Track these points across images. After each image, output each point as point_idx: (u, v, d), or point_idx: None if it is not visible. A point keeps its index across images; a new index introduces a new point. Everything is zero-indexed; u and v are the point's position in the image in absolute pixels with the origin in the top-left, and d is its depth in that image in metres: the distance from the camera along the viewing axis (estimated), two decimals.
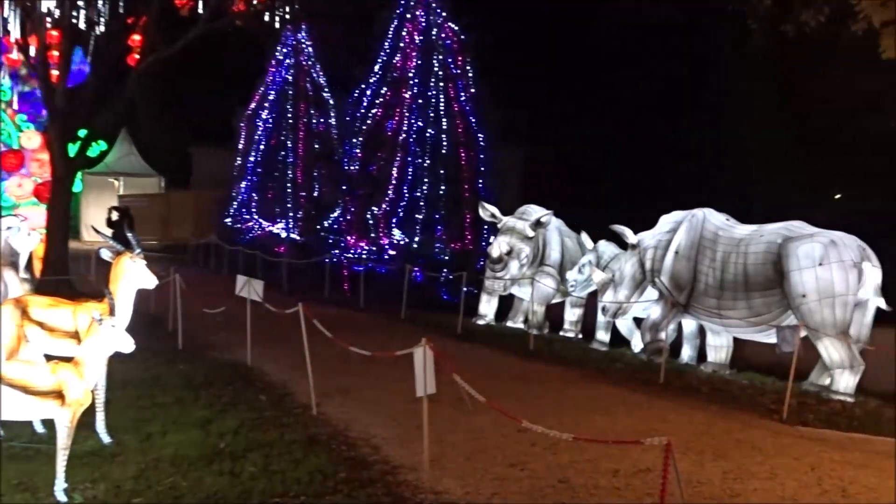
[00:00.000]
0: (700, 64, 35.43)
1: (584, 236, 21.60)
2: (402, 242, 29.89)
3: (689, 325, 17.89)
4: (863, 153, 28.45)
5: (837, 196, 32.57)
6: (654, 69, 37.49)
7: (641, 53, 38.20)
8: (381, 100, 31.76)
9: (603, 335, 19.96)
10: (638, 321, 19.14)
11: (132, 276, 9.26)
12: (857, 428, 12.18)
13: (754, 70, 32.27)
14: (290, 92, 37.84)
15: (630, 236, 18.38)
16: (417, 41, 31.18)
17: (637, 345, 19.06)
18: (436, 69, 30.98)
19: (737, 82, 34.19)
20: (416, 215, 30.07)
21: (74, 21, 23.19)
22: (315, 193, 37.06)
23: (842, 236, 15.29)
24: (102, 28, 23.85)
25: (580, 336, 21.56)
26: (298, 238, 35.88)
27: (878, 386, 17.97)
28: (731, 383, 15.00)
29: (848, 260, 14.83)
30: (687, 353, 18.03)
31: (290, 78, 37.99)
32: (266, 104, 38.24)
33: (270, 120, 37.95)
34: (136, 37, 23.76)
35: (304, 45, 38.22)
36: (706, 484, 8.05)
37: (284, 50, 38.18)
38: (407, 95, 30.82)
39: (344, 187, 32.76)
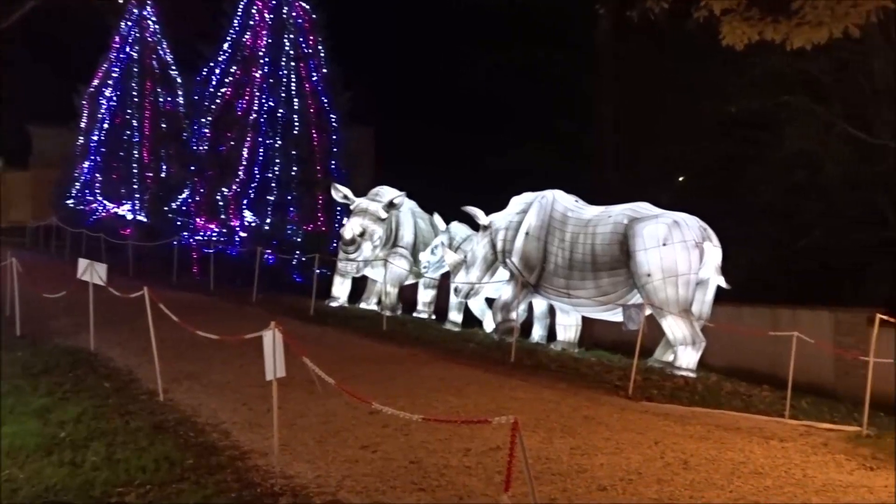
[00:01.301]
0: (555, 47, 35.93)
1: (437, 218, 21.71)
2: (253, 224, 29.38)
3: (539, 304, 18.20)
4: (705, 137, 29.40)
5: (681, 178, 33.57)
6: (508, 52, 37.86)
7: (493, 35, 38.50)
8: (230, 79, 31.04)
9: (455, 316, 20.14)
10: (490, 301, 19.35)
11: None
12: (699, 402, 12.65)
13: (603, 55, 32.95)
14: (136, 69, 36.63)
15: (482, 217, 18.56)
16: (268, 19, 30.59)
17: (489, 325, 19.30)
18: (287, 48, 30.48)
19: (587, 67, 34.83)
20: (268, 197, 29.59)
21: None
22: (162, 174, 36.06)
23: (684, 217, 15.81)
24: None
25: (433, 317, 21.71)
26: (145, 220, 34.89)
27: (719, 361, 18.72)
28: (580, 361, 15.33)
29: (690, 240, 15.33)
30: (537, 332, 18.36)
31: (135, 55, 36.78)
32: (110, 81, 36.88)
33: (115, 98, 36.62)
34: None
35: (149, 21, 37.06)
36: (554, 460, 8.17)
37: (129, 25, 36.92)
38: (257, 74, 30.23)
39: (192, 168, 31.95)
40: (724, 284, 15.72)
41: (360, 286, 23.38)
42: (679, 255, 15.20)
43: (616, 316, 16.08)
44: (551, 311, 18.23)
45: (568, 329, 17.70)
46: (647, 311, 14.78)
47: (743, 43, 12.77)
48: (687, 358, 15.23)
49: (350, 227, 21.41)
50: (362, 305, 22.78)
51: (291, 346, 8.31)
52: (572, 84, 34.88)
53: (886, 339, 15.80)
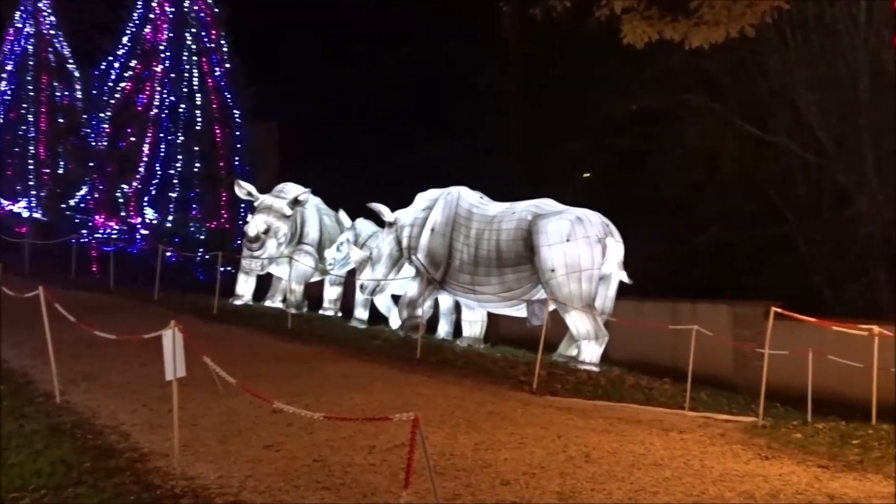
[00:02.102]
0: (460, 42, 36.01)
1: (343, 214, 21.63)
2: (154, 221, 28.86)
3: (445, 301, 18.25)
4: (608, 134, 29.83)
5: (586, 175, 33.99)
6: (414, 47, 37.85)
7: (399, 29, 38.42)
8: (130, 73, 30.43)
9: (362, 313, 20.08)
10: (396, 298, 19.35)
11: None
12: (602, 396, 12.82)
13: (507, 51, 33.17)
14: (31, 63, 35.62)
15: (387, 214, 18.53)
16: (169, 13, 30.06)
17: (395, 321, 19.28)
18: (189, 42, 30.00)
19: (492, 63, 34.99)
20: (170, 193, 29.10)
21: None
22: (60, 171, 35.15)
23: (587, 213, 16.02)
24: None
25: (340, 314, 21.63)
26: (42, 218, 33.98)
27: (622, 355, 19.01)
28: (486, 357, 15.41)
29: (593, 236, 15.53)
30: (443, 328, 18.41)
31: (30, 48, 35.76)
32: (4, 75, 35.82)
33: (9, 92, 35.59)
34: None
35: (44, 13, 36.07)
36: (458, 456, 8.18)
37: (23, 17, 35.88)
38: (158, 69, 29.70)
39: (91, 164, 31.22)
40: (626, 279, 15.97)
41: (264, 284, 23.15)
42: (582, 250, 15.38)
43: (521, 312, 16.22)
44: (457, 308, 18.30)
45: (473, 325, 17.79)
46: (551, 307, 14.93)
47: (643, 42, 12.98)
48: (590, 352, 15.43)
49: (254, 225, 21.16)
50: (267, 303, 22.56)
51: (192, 346, 8.18)
52: (478, 80, 34.99)
53: (783, 332, 16.28)
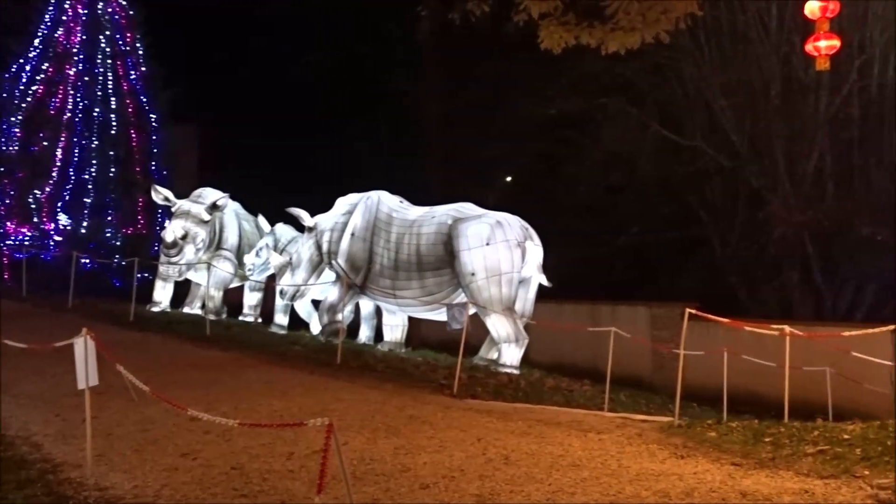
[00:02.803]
0: (379, 46, 35.91)
1: (262, 219, 21.45)
2: (68, 227, 28.27)
3: (366, 305, 18.22)
4: (527, 138, 30.05)
5: (507, 179, 34.19)
6: (334, 51, 37.63)
7: (317, 32, 38.18)
8: (42, 76, 29.78)
9: (282, 318, 19.93)
10: (316, 303, 19.24)
11: None
12: (522, 398, 12.88)
13: (426, 55, 33.19)
14: None
15: (307, 219, 18.42)
16: (82, 15, 29.48)
17: (315, 327, 19.17)
18: (103, 45, 29.48)
19: (411, 68, 34.99)
20: (84, 199, 28.58)
21: None
22: None
23: (506, 217, 16.12)
24: None
25: (259, 320, 21.46)
26: None
27: (543, 357, 19.17)
28: (406, 361, 15.39)
29: (513, 239, 15.63)
30: (364, 333, 18.39)
31: None
32: None
33: None
34: None
35: None
36: (378, 460, 8.15)
37: None
38: (71, 72, 29.14)
39: (1, 169, 30.44)
40: (545, 282, 16.10)
41: (182, 290, 22.82)
42: (502, 254, 15.46)
43: (441, 315, 16.26)
44: (378, 312, 18.28)
45: (394, 329, 17.77)
46: (472, 310, 14.98)
47: (560, 47, 13.07)
48: (511, 355, 15.51)
49: (171, 230, 20.85)
50: (185, 310, 22.26)
51: (105, 354, 8.01)
52: (397, 84, 34.97)
53: (699, 333, 16.59)
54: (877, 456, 7.77)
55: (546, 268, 16.24)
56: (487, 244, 15.49)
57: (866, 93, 23.79)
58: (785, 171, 24.13)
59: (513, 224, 15.95)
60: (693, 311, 11.31)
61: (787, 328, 11.25)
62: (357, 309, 18.37)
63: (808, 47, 14.21)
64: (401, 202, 17.70)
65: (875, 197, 23.48)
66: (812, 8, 12.96)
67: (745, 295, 25.08)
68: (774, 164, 24.30)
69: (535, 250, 15.95)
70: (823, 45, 13.92)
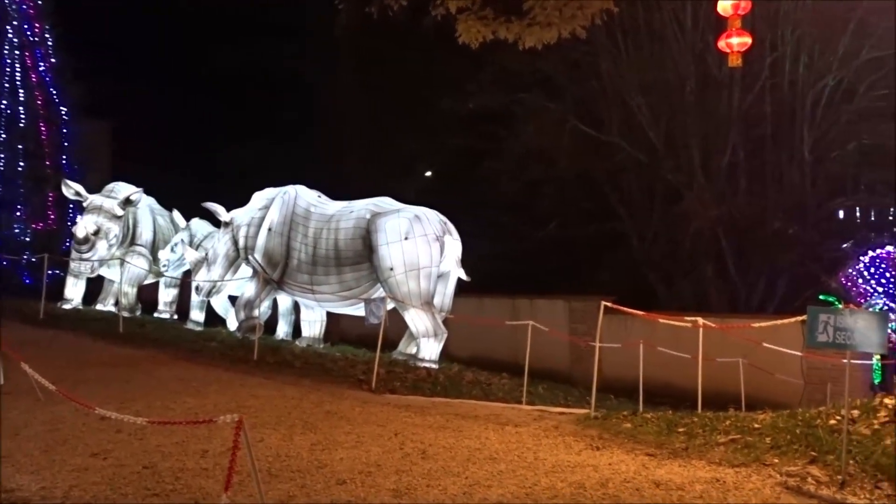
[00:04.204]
0: (297, 41, 35.64)
1: (177, 214, 21.12)
2: None
3: (283, 301, 18.05)
4: (446, 133, 30.05)
5: (427, 174, 34.17)
6: (251, 46, 37.25)
7: (234, 27, 37.77)
8: None
9: (198, 315, 19.66)
10: (233, 299, 19.01)
11: None
12: (440, 392, 12.89)
13: (343, 50, 32.98)
14: None
15: (223, 214, 18.18)
16: None
17: (232, 323, 18.94)
18: (10, 35, 28.67)
19: (330, 62, 34.74)
20: None
21: None
22: None
23: (425, 211, 16.11)
24: None
25: (175, 317, 21.13)
26: None
27: (462, 351, 19.21)
28: (325, 357, 15.28)
29: (431, 234, 15.62)
30: (282, 329, 18.21)
31: None
32: None
33: None
34: None
35: None
36: (294, 457, 8.05)
37: None
38: None
39: None
40: (464, 277, 16.12)
41: (95, 287, 22.35)
42: (420, 248, 15.44)
43: (360, 311, 16.18)
44: (296, 308, 18.12)
45: (313, 325, 17.65)
46: (390, 305, 14.93)
47: (478, 41, 13.09)
48: (429, 349, 15.51)
49: (83, 226, 20.41)
50: (98, 307, 21.82)
51: (12, 353, 7.79)
52: (316, 78, 34.72)
53: (617, 326, 16.79)
54: (786, 444, 7.92)
55: (465, 262, 16.26)
56: (406, 239, 15.45)
57: (778, 90, 24.32)
58: (700, 167, 24.55)
59: (431, 218, 15.93)
60: (609, 305, 11.41)
61: (701, 320, 11.43)
62: (274, 304, 18.17)
63: (721, 44, 14.42)
64: (319, 197, 17.57)
65: (786, 192, 24.04)
66: (724, 5, 13.15)
67: (662, 288, 25.47)
68: (690, 159, 24.72)
69: (454, 245, 15.96)
70: (736, 43, 14.14)
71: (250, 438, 5.66)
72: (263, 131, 36.11)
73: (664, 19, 24.80)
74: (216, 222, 18.93)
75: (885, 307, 17.77)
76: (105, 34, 39.87)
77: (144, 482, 7.37)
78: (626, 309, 11.79)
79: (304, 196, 17.39)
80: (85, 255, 20.52)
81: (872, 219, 26.46)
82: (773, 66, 24.19)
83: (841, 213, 26.17)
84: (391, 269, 15.41)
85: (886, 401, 8.51)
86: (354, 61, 33.10)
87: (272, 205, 17.31)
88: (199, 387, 11.80)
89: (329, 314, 17.72)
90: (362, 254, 15.90)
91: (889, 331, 17.16)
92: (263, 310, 17.37)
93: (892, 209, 26.17)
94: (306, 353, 15.71)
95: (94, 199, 20.88)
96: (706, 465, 7.69)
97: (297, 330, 18.10)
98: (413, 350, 15.86)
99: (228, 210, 18.26)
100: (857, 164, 24.69)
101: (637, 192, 26.89)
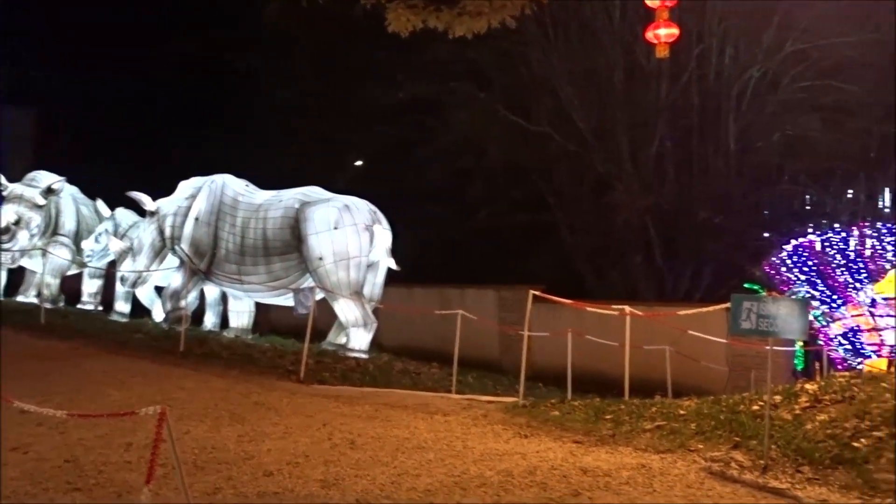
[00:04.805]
0: (227, 30, 35.04)
1: (101, 204, 20.72)
2: None
3: (211, 291, 17.84)
4: (377, 122, 29.93)
5: (358, 163, 34.01)
6: (178, 33, 36.54)
7: (166, 14, 37.03)
8: None
9: (123, 306, 19.34)
10: (159, 290, 18.73)
11: None
12: (370, 382, 12.87)
13: (273, 39, 32.63)
14: None
15: (148, 203, 17.89)
16: None
17: (158, 314, 18.67)
18: None
19: (260, 51, 34.28)
20: None
21: None
22: None
23: (354, 201, 16.03)
24: None
25: (100, 308, 20.77)
26: None
27: (392, 341, 19.18)
28: (253, 347, 15.15)
29: (361, 223, 15.55)
30: (210, 319, 18.01)
31: None
32: None
33: None
34: None
35: None
36: (220, 449, 7.96)
37: None
38: None
39: None
40: (394, 266, 16.08)
41: (17, 278, 21.87)
42: (350, 238, 15.36)
43: (289, 301, 16.05)
44: (224, 298, 17.93)
45: (241, 315, 17.48)
46: (319, 295, 14.84)
47: (407, 30, 13.01)
48: (359, 339, 15.45)
49: (3, 215, 19.93)
50: (20, 298, 21.37)
51: None
52: (246, 67, 34.21)
53: (547, 315, 16.90)
54: (710, 430, 8.04)
55: (395, 252, 16.22)
56: (335, 228, 15.35)
57: (705, 81, 24.69)
58: (628, 157, 24.82)
59: (361, 208, 15.87)
60: (537, 294, 11.47)
61: (628, 308, 11.55)
62: (202, 295, 17.94)
63: (649, 35, 14.59)
64: (246, 186, 17.37)
65: (712, 182, 24.41)
66: None
67: (591, 278, 25.71)
68: (618, 150, 24.97)
69: (384, 234, 15.91)
70: (663, 34, 14.32)
71: (176, 431, 5.58)
72: (192, 120, 35.47)
73: (593, 10, 24.99)
74: (141, 212, 18.63)
75: (808, 295, 18.15)
76: (29, 19, 38.81)
77: (66, 476, 7.23)
78: (554, 298, 11.86)
79: (231, 185, 17.18)
80: (5, 245, 20.06)
81: (796, 208, 27.00)
82: (700, 58, 24.56)
83: (765, 203, 26.64)
84: (320, 258, 15.30)
85: (808, 386, 8.69)
86: (283, 50, 32.75)
87: (199, 194, 17.08)
88: (123, 379, 11.63)
89: (258, 304, 17.57)
90: (291, 243, 15.77)
91: (811, 318, 17.57)
92: (190, 300, 17.15)
93: (814, 199, 26.76)
94: (234, 343, 15.55)
95: (14, 188, 20.41)
96: (633, 451, 7.77)
97: (224, 321, 17.92)
98: (342, 340, 15.79)
99: (154, 199, 17.97)
100: (780, 155, 25.16)
101: (567, 181, 27.08)
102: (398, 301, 18.38)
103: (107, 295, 20.83)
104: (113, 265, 19.79)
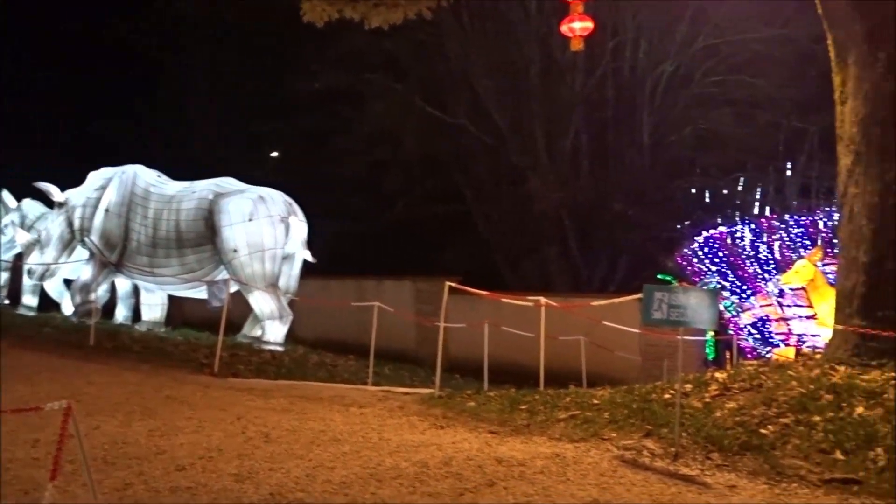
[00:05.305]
0: (139, 17, 34.29)
1: (6, 195, 20.16)
2: None
3: (122, 284, 17.52)
4: (293, 113, 29.62)
5: (274, 154, 33.66)
6: (88, 18, 35.67)
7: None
8: None
9: (30, 299, 18.90)
10: (69, 283, 18.33)
11: None
12: (285, 375, 12.79)
13: (189, 27, 32.10)
14: None
15: (56, 194, 17.52)
16: None
17: (68, 308, 18.28)
18: None
19: (173, 39, 33.65)
20: None
21: None
22: None
23: (270, 192, 15.90)
24: None
25: (6, 302, 20.22)
26: None
27: (309, 333, 19.06)
28: (166, 341, 14.94)
29: (276, 215, 15.43)
30: (122, 313, 17.71)
31: None
32: None
33: None
34: None
35: None
36: (132, 444, 7.81)
37: None
38: None
39: None
40: (310, 258, 16.00)
41: None
42: (265, 229, 15.24)
43: (203, 293, 15.86)
44: (136, 291, 17.62)
45: (154, 308, 17.21)
46: (234, 288, 14.68)
47: (323, 20, 12.94)
48: (274, 332, 15.34)
49: None
50: None
51: None
52: (159, 55, 33.53)
53: (464, 306, 16.94)
54: (623, 419, 8.16)
55: (311, 244, 16.13)
56: (250, 220, 15.21)
57: (619, 75, 24.99)
58: (544, 150, 25.01)
59: (276, 199, 15.74)
60: (453, 285, 11.50)
61: (543, 299, 11.63)
62: (113, 288, 17.60)
63: (563, 28, 14.69)
64: (158, 177, 17.10)
65: (626, 175, 24.75)
66: None
67: (508, 269, 25.86)
68: (534, 142, 25.13)
69: (300, 226, 15.82)
70: (578, 27, 14.43)
71: (86, 426, 5.46)
72: (102, 110, 34.63)
73: (509, 3, 25.09)
74: (49, 203, 18.22)
75: (718, 285, 18.51)
76: None
77: None
78: (470, 289, 11.91)
79: (143, 176, 16.89)
80: None
81: (707, 200, 27.50)
82: (615, 52, 24.84)
83: (678, 195, 27.09)
84: (235, 250, 15.14)
85: (717, 375, 8.87)
86: (198, 38, 32.23)
87: (109, 185, 16.76)
88: (30, 374, 11.33)
89: (171, 297, 17.31)
90: (205, 235, 15.57)
91: (721, 308, 17.94)
92: (101, 293, 16.82)
93: (725, 191, 27.30)
94: (146, 337, 15.31)
95: None
96: (547, 440, 7.84)
97: (137, 314, 17.62)
98: (258, 333, 15.65)
99: (63, 190, 17.58)
100: (693, 148, 25.62)
101: (483, 173, 27.17)
102: (314, 293, 18.29)
103: (13, 288, 20.31)
104: (20, 257, 19.31)
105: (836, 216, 14.05)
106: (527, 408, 9.03)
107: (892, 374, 7.76)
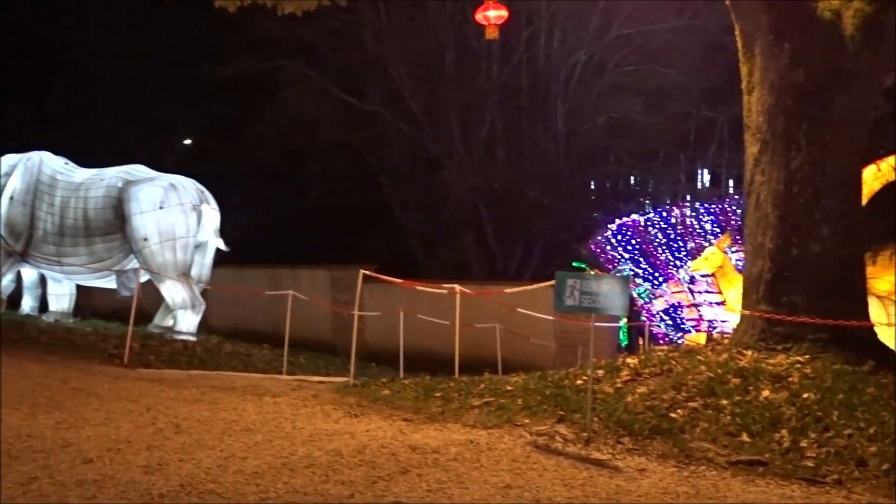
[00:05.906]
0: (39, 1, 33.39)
1: None
2: None
3: (28, 274, 17.06)
4: (205, 100, 29.19)
5: (187, 141, 33.17)
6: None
7: None
8: None
9: None
10: None
11: None
12: (198, 365, 12.60)
13: (94, 10, 31.39)
14: None
15: None
16: None
17: None
18: None
19: (78, 22, 32.86)
20: None
21: None
22: None
23: (181, 180, 15.65)
24: None
25: None
26: None
27: (222, 323, 18.84)
28: (74, 332, 14.57)
29: (187, 203, 15.20)
30: (28, 303, 17.25)
31: None
32: None
33: None
34: None
35: None
36: (37, 437, 7.60)
37: None
38: None
39: None
40: (223, 247, 15.80)
41: None
42: (176, 218, 15.00)
43: (112, 283, 15.55)
44: (43, 281, 17.18)
45: (61, 299, 16.82)
46: (145, 277, 14.42)
47: (235, 5, 12.75)
48: (187, 322, 15.13)
49: None
50: None
51: None
52: (64, 39, 32.67)
53: (380, 294, 16.92)
54: (536, 405, 8.21)
55: (225, 232, 15.93)
56: (161, 208, 14.94)
57: (534, 64, 25.15)
58: (459, 138, 25.07)
59: (188, 187, 15.50)
60: (368, 273, 11.45)
61: (458, 287, 11.67)
62: (18, 277, 17.14)
63: (478, 16, 14.73)
64: (66, 164, 16.67)
65: (541, 163, 24.95)
66: None
67: (424, 257, 25.90)
68: (450, 130, 25.20)
69: (212, 214, 15.60)
70: (493, 15, 14.49)
71: None
72: (3, 94, 33.58)
73: None
74: None
75: (631, 272, 18.79)
76: None
77: None
78: (384, 277, 11.89)
79: (49, 163, 16.45)
80: None
81: (620, 189, 27.90)
82: (530, 41, 25.00)
83: (592, 184, 27.42)
84: (145, 239, 14.87)
85: (629, 361, 8.98)
86: (104, 22, 31.51)
87: (14, 172, 16.28)
88: None
89: (79, 287, 16.94)
90: (114, 224, 15.25)
91: (633, 295, 18.22)
92: (5, 284, 16.38)
93: (638, 179, 27.73)
94: (53, 328, 14.93)
95: None
96: (461, 427, 7.86)
97: (44, 304, 17.19)
98: (170, 322, 15.41)
99: None
100: (606, 137, 25.94)
101: (399, 161, 27.15)
102: (228, 282, 18.07)
103: None
104: None
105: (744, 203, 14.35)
106: (441, 395, 9.03)
107: (797, 358, 7.95)
